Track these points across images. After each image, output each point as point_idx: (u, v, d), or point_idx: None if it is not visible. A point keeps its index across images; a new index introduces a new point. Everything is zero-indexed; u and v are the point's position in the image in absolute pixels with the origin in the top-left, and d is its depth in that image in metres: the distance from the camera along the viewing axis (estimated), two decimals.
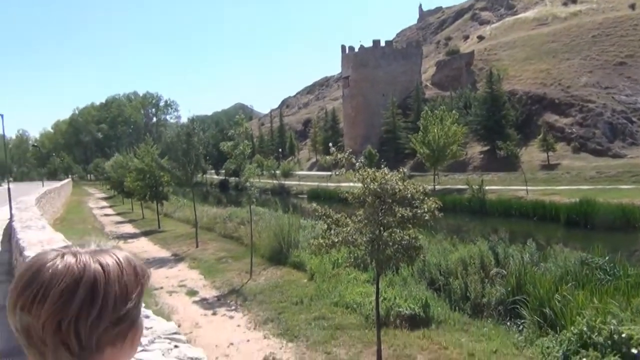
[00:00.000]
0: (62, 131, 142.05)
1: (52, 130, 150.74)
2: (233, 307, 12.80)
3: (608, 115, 51.34)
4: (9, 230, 15.38)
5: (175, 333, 2.67)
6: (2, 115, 22.50)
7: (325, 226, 9.05)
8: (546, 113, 55.12)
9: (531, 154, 49.64)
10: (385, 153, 51.75)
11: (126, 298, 0.94)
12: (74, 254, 0.93)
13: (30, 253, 5.84)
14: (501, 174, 44.37)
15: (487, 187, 36.23)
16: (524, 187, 35.50)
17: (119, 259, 0.96)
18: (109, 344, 0.93)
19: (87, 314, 0.88)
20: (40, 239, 7.12)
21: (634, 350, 7.31)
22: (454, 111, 43.32)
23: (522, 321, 10.36)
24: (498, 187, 38.56)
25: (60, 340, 0.88)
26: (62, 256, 0.93)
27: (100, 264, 0.92)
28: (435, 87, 77.75)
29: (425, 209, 8.15)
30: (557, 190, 34.10)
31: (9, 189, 22.65)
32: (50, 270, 0.89)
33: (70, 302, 0.87)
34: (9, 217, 19.88)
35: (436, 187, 38.83)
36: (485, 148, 53.83)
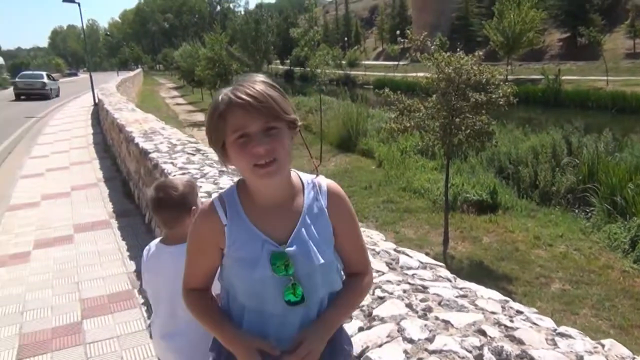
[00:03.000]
0: (130, 21, 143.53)
1: (119, 20, 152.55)
2: None
3: None
4: (97, 114, 16.48)
5: None
6: (79, 4, 23.06)
7: (397, 112, 9.19)
8: None
9: (615, 42, 45.96)
10: (456, 41, 49.40)
11: None
12: None
13: (130, 129, 6.42)
14: (580, 63, 41.70)
15: (563, 77, 34.39)
16: (605, 78, 33.43)
17: None
18: None
19: None
20: (135, 118, 7.72)
21: None
22: None
23: (591, 209, 10.42)
24: (576, 77, 36.44)
25: None
26: None
27: None
28: None
29: (500, 94, 8.10)
30: None
31: (90, 76, 23.80)
32: None
33: None
34: (92, 103, 21.15)
35: (508, 77, 37.24)
36: (565, 35, 50.18)
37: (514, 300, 1.86)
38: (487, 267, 8.35)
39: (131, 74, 50.71)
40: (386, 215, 10.89)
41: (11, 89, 33.32)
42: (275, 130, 1.21)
